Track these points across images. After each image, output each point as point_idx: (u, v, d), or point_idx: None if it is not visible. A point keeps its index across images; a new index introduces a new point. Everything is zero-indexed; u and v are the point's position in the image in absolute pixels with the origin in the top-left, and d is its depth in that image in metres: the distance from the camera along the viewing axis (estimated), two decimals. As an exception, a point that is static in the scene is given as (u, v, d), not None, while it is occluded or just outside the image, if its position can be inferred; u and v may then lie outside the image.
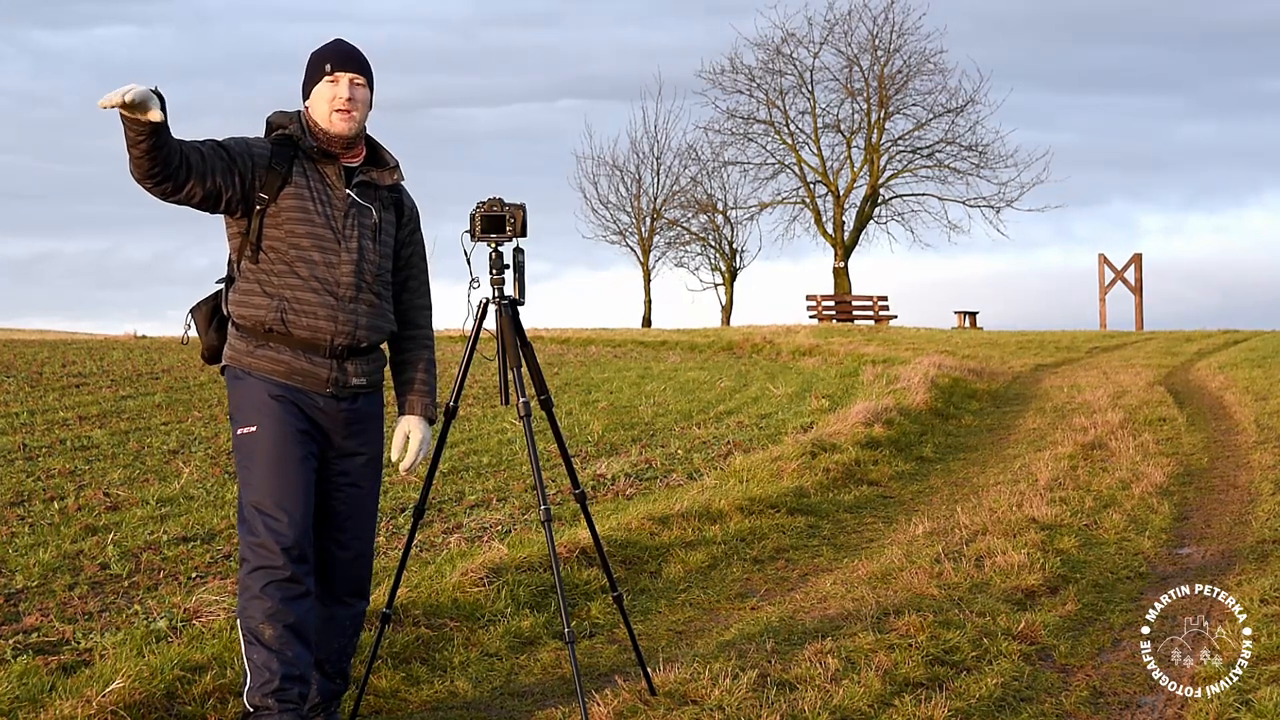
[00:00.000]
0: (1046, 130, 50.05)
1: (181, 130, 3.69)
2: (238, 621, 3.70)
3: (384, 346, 4.03)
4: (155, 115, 3.32)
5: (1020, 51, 48.79)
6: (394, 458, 4.01)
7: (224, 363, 3.84)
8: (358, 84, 3.78)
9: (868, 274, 63.88)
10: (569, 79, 51.70)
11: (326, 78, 3.77)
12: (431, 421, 4.04)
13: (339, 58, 3.78)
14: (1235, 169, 52.82)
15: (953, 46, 54.69)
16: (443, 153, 49.01)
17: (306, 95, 3.83)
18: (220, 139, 3.71)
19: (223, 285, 3.88)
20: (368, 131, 3.91)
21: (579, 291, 46.68)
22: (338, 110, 3.74)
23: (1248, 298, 46.57)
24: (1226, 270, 48.21)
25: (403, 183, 3.95)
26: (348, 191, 3.80)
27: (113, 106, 3.29)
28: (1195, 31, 50.48)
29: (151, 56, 49.73)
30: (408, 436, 3.98)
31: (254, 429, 3.73)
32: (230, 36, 50.49)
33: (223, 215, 3.77)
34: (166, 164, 3.48)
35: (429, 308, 4.09)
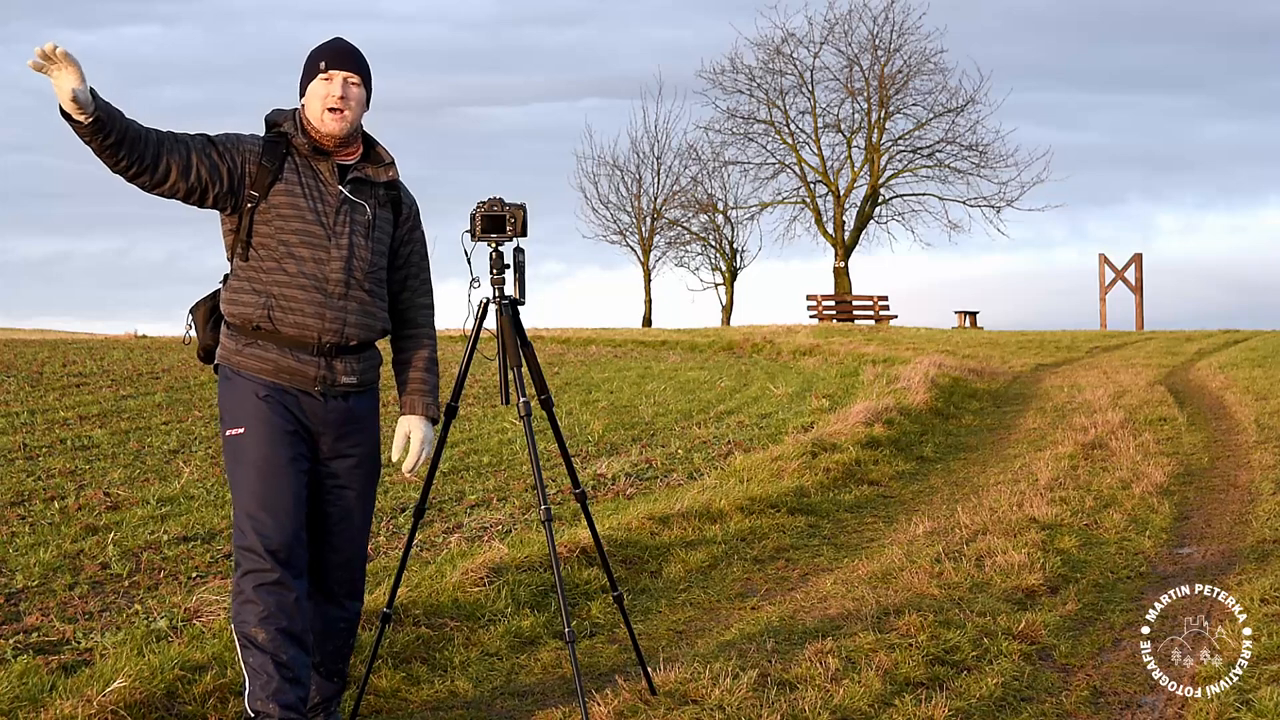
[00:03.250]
0: (1069, 129, 49.74)
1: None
2: (232, 626, 3.68)
3: (383, 345, 4.00)
4: (82, 116, 3.35)
5: (1044, 49, 48.72)
6: (395, 458, 3.97)
7: (216, 361, 3.83)
8: (352, 83, 3.76)
9: (868, 274, 63.91)
10: (593, 78, 51.74)
11: (321, 75, 3.75)
12: (434, 421, 3.99)
13: (334, 56, 3.77)
14: (1255, 168, 52.75)
15: (974, 44, 54.71)
16: (466, 152, 49.03)
17: (303, 92, 3.82)
18: (212, 134, 3.70)
19: (221, 284, 3.87)
20: (364, 129, 3.89)
21: (591, 291, 46.72)
22: (330, 108, 3.73)
23: (1265, 296, 46.59)
24: (1244, 269, 48.26)
25: (399, 179, 3.92)
26: (340, 188, 3.78)
27: (41, 64, 3.31)
28: (1220, 31, 50.38)
29: (178, 56, 49.76)
30: (408, 436, 3.94)
31: (241, 430, 3.70)
32: (256, 35, 50.56)
33: (215, 211, 3.75)
34: (129, 158, 3.50)
35: (430, 306, 4.04)
